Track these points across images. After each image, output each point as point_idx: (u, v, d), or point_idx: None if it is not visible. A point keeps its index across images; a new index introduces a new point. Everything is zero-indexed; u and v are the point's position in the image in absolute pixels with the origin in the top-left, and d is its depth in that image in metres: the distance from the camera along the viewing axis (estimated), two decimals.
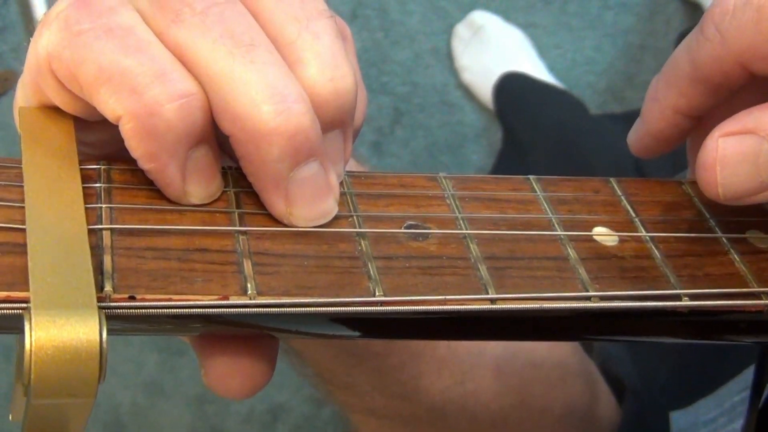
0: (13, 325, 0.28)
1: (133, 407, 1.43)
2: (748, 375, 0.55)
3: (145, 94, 0.30)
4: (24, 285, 0.28)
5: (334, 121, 0.32)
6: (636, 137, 0.39)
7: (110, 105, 0.30)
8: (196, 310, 0.29)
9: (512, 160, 1.38)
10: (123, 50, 0.30)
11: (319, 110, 0.31)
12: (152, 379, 1.45)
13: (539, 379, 0.58)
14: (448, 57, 1.65)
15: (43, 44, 0.31)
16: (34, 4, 1.46)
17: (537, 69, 1.60)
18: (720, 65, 0.34)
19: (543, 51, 1.65)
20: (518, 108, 1.46)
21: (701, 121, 0.38)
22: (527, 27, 1.66)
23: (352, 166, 0.37)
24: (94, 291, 0.27)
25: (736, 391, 0.56)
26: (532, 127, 1.33)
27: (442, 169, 1.55)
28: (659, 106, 0.37)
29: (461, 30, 1.65)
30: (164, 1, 0.31)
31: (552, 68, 1.63)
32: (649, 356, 0.70)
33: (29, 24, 1.49)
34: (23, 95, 0.34)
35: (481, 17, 1.64)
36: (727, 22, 0.34)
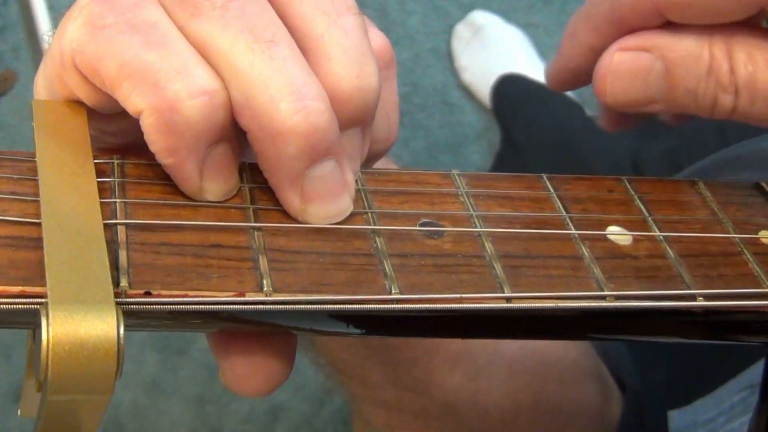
0: (25, 320, 0.28)
1: (133, 407, 1.43)
2: (747, 375, 0.55)
3: (166, 89, 0.30)
4: (39, 280, 0.27)
5: (354, 119, 0.32)
6: (553, 71, 0.40)
7: (132, 99, 0.30)
8: (212, 306, 0.29)
9: (510, 161, 1.38)
10: (146, 45, 0.30)
11: (341, 107, 0.31)
12: (152, 379, 1.45)
13: (552, 378, 0.58)
14: (448, 57, 1.65)
15: (67, 39, 0.31)
16: (34, 4, 1.46)
17: (537, 69, 1.60)
18: (637, 8, 0.35)
19: (543, 51, 1.65)
20: (516, 110, 1.46)
21: None
22: (527, 27, 1.66)
23: (382, 163, 0.37)
24: (111, 286, 0.27)
25: (736, 391, 0.56)
26: (530, 129, 1.34)
27: (442, 169, 1.54)
28: (577, 43, 0.38)
29: (461, 30, 1.65)
30: None
31: None
32: (648, 354, 0.70)
33: (29, 24, 1.48)
34: (45, 87, 0.34)
35: (481, 17, 1.64)
36: None
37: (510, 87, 1.49)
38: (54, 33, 0.33)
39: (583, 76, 0.39)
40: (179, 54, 0.30)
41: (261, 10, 0.31)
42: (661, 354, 0.69)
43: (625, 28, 0.36)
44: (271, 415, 1.43)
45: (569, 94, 1.55)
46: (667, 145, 0.94)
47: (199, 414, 1.43)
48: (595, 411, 0.62)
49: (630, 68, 0.35)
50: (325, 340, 0.50)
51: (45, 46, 0.34)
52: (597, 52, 0.37)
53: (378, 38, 0.35)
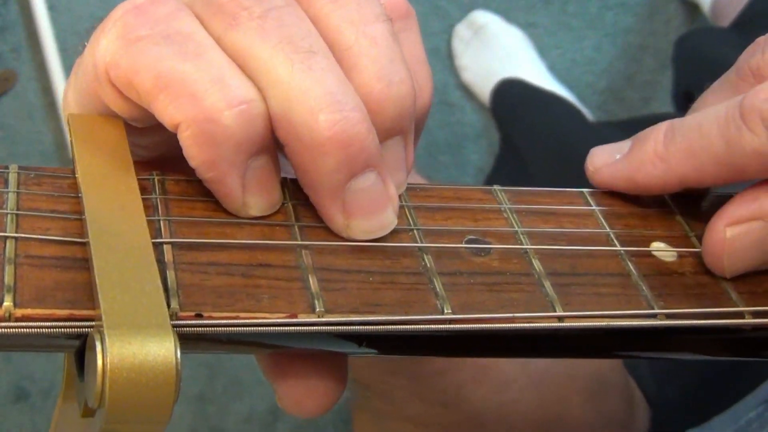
0: (62, 344, 0.27)
1: None
2: (763, 389, 0.54)
3: (204, 100, 0.29)
4: (87, 302, 0.27)
5: (392, 128, 0.32)
6: (609, 171, 0.37)
7: (169, 112, 0.29)
8: (265, 328, 0.28)
9: (511, 166, 1.37)
10: (181, 56, 0.29)
11: (376, 117, 0.31)
12: None
13: (578, 390, 0.58)
14: (448, 57, 1.65)
15: (100, 52, 0.30)
16: (34, 4, 1.45)
17: (537, 69, 1.59)
18: (762, 160, 0.33)
19: (543, 51, 1.64)
20: (515, 114, 1.45)
21: None
22: (527, 27, 1.65)
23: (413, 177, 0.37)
24: (166, 309, 0.26)
25: (752, 407, 0.55)
26: (530, 134, 1.33)
27: (442, 169, 1.51)
28: (666, 168, 0.35)
29: (461, 30, 1.64)
30: (222, 5, 0.30)
31: (552, 68, 1.63)
32: (663, 371, 0.70)
33: (29, 24, 1.47)
34: (77, 101, 0.33)
35: (481, 17, 1.64)
36: None
37: (510, 91, 1.49)
38: (86, 46, 0.32)
39: (644, 192, 0.36)
40: (215, 64, 0.30)
41: (298, 20, 0.31)
42: (676, 371, 0.68)
43: (737, 172, 0.33)
44: (271, 415, 1.43)
45: (569, 98, 1.54)
46: None
47: (199, 414, 1.43)
48: (620, 423, 0.62)
49: (744, 243, 0.33)
50: (349, 357, 0.50)
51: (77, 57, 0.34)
52: (686, 185, 0.35)
53: None
